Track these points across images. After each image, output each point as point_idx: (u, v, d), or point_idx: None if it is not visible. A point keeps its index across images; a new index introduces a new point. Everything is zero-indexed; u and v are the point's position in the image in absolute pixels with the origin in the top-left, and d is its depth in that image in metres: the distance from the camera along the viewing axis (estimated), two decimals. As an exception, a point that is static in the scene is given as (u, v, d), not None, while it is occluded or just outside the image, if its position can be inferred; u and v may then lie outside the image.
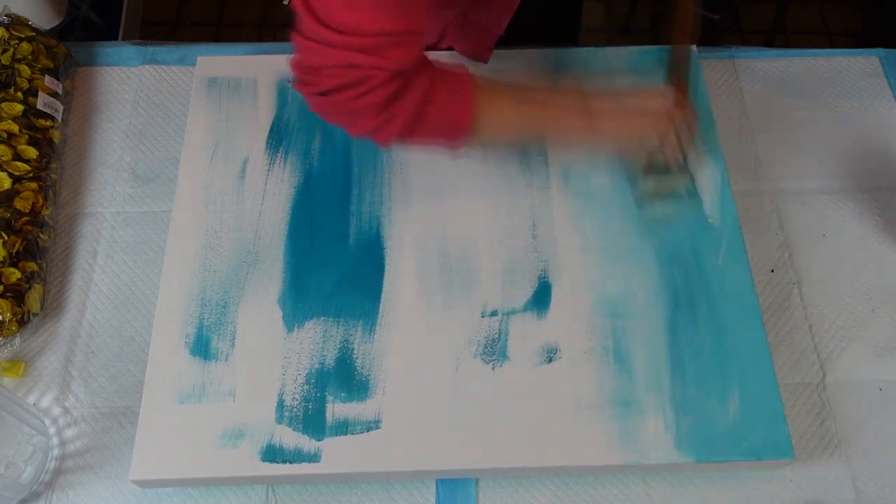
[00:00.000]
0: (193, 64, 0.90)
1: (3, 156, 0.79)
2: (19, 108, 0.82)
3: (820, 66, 0.95)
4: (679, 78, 0.78)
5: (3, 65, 0.84)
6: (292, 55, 0.63)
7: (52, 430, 0.73)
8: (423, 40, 0.64)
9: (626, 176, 0.81)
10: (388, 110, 0.63)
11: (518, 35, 0.84)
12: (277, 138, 0.84)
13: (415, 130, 0.66)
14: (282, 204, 0.80)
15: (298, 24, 0.61)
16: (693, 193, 0.78)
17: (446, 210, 0.80)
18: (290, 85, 0.87)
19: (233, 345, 0.72)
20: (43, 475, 0.71)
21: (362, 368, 0.71)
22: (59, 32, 1.09)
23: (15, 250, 0.75)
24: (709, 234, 0.78)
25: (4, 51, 0.85)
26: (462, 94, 0.67)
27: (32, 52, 0.86)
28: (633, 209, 0.79)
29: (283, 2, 0.85)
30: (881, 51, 0.96)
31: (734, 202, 0.79)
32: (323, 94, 0.63)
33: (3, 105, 0.81)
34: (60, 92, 0.87)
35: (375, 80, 0.60)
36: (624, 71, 0.88)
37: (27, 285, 0.75)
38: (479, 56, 0.87)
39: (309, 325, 0.73)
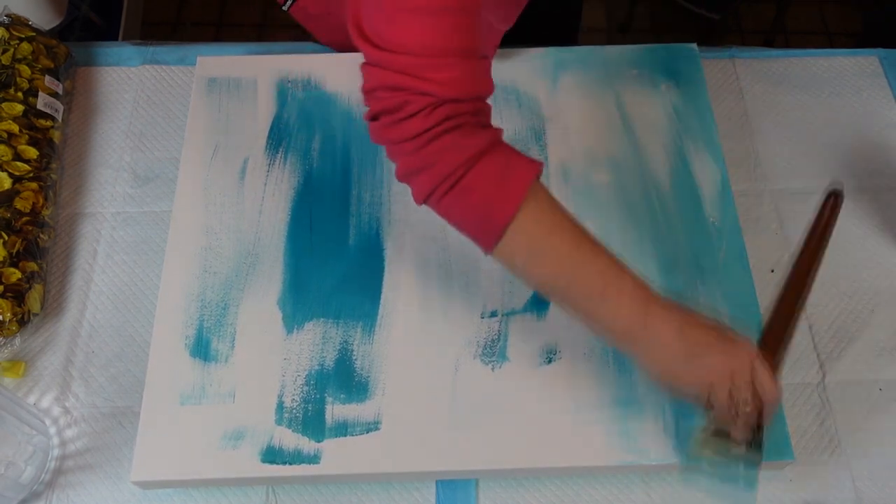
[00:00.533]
0: (193, 64, 0.90)
1: (3, 156, 0.79)
2: (19, 108, 0.82)
3: (820, 66, 0.94)
4: (774, 348, 0.62)
5: (3, 65, 0.84)
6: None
7: (52, 430, 0.73)
8: (474, 68, 0.57)
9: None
10: (425, 151, 0.56)
11: (517, 34, 0.84)
12: (277, 138, 0.84)
13: (448, 195, 0.57)
14: (282, 204, 0.80)
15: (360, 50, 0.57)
16: (751, 470, 0.61)
17: (446, 210, 0.79)
18: (289, 85, 0.87)
19: (233, 346, 0.72)
20: (43, 475, 0.71)
21: (362, 370, 0.71)
22: (59, 32, 1.09)
23: (15, 250, 0.75)
24: (709, 234, 0.78)
25: (4, 51, 0.85)
26: (517, 176, 0.57)
27: (32, 52, 0.86)
28: (633, 209, 0.79)
29: (283, 7, 0.85)
30: (881, 51, 0.96)
31: (734, 202, 0.79)
32: (371, 118, 0.58)
33: (3, 105, 0.81)
34: (60, 92, 0.87)
35: (413, 105, 0.55)
36: (623, 70, 0.88)
37: (27, 285, 0.75)
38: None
39: (308, 326, 0.73)
